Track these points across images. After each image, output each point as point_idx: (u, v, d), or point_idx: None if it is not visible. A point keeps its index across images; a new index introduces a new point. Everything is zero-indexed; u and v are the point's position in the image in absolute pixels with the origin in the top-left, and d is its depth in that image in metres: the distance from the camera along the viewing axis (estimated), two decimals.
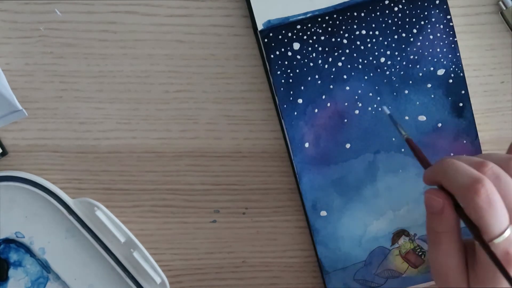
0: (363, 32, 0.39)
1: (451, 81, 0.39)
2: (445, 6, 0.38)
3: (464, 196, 0.29)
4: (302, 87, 0.39)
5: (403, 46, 0.39)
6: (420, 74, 0.39)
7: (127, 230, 0.39)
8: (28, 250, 0.39)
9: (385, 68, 0.39)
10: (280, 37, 0.38)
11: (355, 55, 0.39)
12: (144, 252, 0.39)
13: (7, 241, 0.39)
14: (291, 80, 0.39)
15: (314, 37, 0.38)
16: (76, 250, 0.39)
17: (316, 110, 0.39)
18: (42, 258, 0.39)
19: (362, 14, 0.38)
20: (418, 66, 0.39)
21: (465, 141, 0.40)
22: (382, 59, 0.39)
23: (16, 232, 0.39)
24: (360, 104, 0.39)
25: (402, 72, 0.39)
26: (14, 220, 0.39)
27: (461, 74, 0.39)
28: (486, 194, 0.28)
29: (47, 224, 0.39)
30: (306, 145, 0.39)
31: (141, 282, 0.39)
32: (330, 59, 0.39)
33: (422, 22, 0.39)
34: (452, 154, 0.40)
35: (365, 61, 0.39)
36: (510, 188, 0.29)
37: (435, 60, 0.39)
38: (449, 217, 0.30)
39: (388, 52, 0.39)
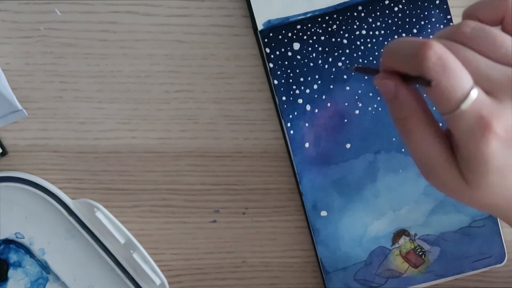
0: (363, 32, 0.39)
1: None
2: (445, 6, 0.38)
3: (414, 66, 0.24)
4: (302, 87, 0.39)
5: None
6: None
7: (127, 231, 0.39)
8: (28, 251, 0.39)
9: None
10: (280, 37, 0.38)
11: (355, 55, 0.39)
12: (144, 253, 0.39)
13: (7, 242, 0.39)
14: (291, 80, 0.39)
15: (314, 37, 0.38)
16: (76, 251, 0.39)
17: (316, 110, 0.39)
18: (41, 259, 0.39)
19: (362, 14, 0.38)
20: None
21: None
22: None
23: (16, 232, 0.39)
24: (360, 104, 0.39)
25: None
26: (14, 221, 0.39)
27: None
28: (436, 55, 0.23)
29: (47, 225, 0.39)
30: (306, 145, 0.39)
31: (141, 283, 0.39)
32: (330, 59, 0.39)
33: (422, 22, 0.39)
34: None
35: (365, 61, 0.39)
36: (466, 50, 0.24)
37: None
38: (406, 96, 0.26)
39: None
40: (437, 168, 0.26)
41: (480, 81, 0.24)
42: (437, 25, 0.38)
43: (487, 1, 0.27)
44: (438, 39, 0.25)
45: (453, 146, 0.26)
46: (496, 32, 0.25)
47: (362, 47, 0.39)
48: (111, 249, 0.39)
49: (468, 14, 0.27)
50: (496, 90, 0.24)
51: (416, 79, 0.25)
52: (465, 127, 0.24)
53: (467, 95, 0.23)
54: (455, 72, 0.23)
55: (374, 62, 0.39)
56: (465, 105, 0.23)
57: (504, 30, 0.27)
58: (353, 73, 0.38)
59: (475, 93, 0.24)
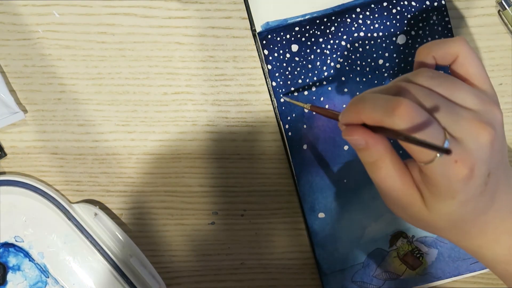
0: (362, 34, 0.39)
1: None
2: (443, 9, 0.38)
3: (388, 124, 0.26)
4: (301, 89, 0.39)
5: (401, 48, 0.39)
6: None
7: (126, 236, 0.39)
8: (27, 254, 0.39)
9: (383, 70, 0.39)
10: (278, 39, 0.38)
11: (353, 57, 0.39)
12: (143, 257, 0.39)
13: (7, 245, 0.39)
14: (289, 82, 0.39)
15: (313, 39, 0.38)
16: (75, 255, 0.39)
17: (314, 112, 0.39)
18: (41, 263, 0.39)
19: (361, 16, 0.38)
20: None
21: None
22: (380, 61, 0.39)
23: (15, 236, 0.39)
24: None
25: (400, 74, 0.39)
26: (13, 225, 0.39)
27: None
28: (408, 113, 0.26)
29: (46, 228, 0.39)
30: (304, 147, 0.39)
31: (139, 287, 0.40)
32: (329, 61, 0.39)
33: (420, 24, 0.39)
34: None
35: (363, 63, 0.39)
36: (432, 101, 0.27)
37: None
38: (375, 145, 0.28)
39: (386, 54, 0.39)
40: (401, 198, 0.29)
41: (448, 126, 0.27)
42: (435, 27, 0.38)
43: (443, 41, 0.30)
44: (404, 83, 0.28)
45: (416, 175, 0.29)
46: (452, 77, 0.28)
47: (360, 49, 0.39)
48: (110, 253, 0.39)
49: (423, 52, 0.30)
50: (462, 134, 0.27)
51: (389, 133, 0.27)
52: (439, 170, 0.26)
53: (442, 144, 0.26)
54: (429, 129, 0.26)
55: (372, 64, 0.39)
56: (440, 156, 0.26)
57: (452, 71, 0.30)
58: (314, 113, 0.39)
59: (447, 143, 0.26)
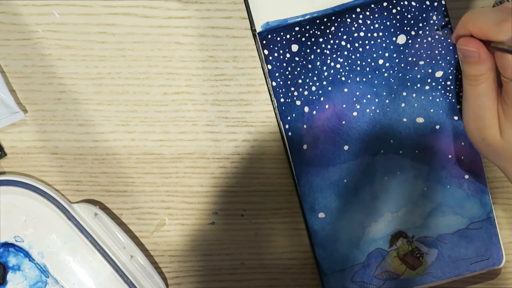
0: (362, 34, 0.39)
1: (449, 83, 0.39)
2: (443, 8, 0.38)
3: (494, 34, 0.30)
4: (301, 89, 0.39)
5: (401, 48, 0.39)
6: (418, 76, 0.39)
7: (126, 236, 0.39)
8: (27, 254, 0.39)
9: (383, 70, 0.39)
10: (278, 39, 0.38)
11: (353, 57, 0.39)
12: (143, 258, 0.39)
13: (6, 245, 0.39)
14: (289, 82, 0.39)
15: (313, 39, 0.38)
16: (75, 255, 0.39)
17: (314, 112, 0.39)
18: (41, 263, 0.39)
19: (361, 16, 0.38)
20: (416, 68, 0.39)
21: (463, 143, 0.40)
22: (380, 61, 0.39)
23: (15, 236, 0.39)
24: (358, 106, 0.39)
25: (400, 74, 0.39)
26: (13, 224, 0.39)
27: (459, 76, 0.39)
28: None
29: (46, 228, 0.39)
30: (305, 147, 0.39)
31: None
32: (329, 61, 0.39)
33: (420, 24, 0.39)
34: (450, 156, 0.40)
35: (363, 63, 0.39)
36: None
37: (433, 62, 0.39)
38: (486, 59, 0.32)
39: (386, 54, 0.39)
40: (484, 118, 0.34)
41: None
42: (435, 27, 0.38)
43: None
44: None
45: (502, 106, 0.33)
46: None
47: (361, 49, 0.39)
48: (110, 253, 0.39)
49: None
50: None
51: (498, 47, 0.31)
52: None
53: None
54: None
55: (372, 64, 0.39)
56: None
57: None
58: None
59: None
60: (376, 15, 0.38)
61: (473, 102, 0.34)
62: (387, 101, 0.39)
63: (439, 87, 0.39)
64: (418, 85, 0.39)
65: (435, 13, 0.38)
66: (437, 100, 0.39)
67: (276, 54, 0.38)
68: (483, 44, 0.32)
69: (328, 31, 0.38)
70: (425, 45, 0.39)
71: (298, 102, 0.39)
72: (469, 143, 0.39)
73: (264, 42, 0.38)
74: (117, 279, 0.39)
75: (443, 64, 0.39)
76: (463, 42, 0.33)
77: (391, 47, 0.39)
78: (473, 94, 0.34)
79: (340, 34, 0.39)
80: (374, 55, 0.39)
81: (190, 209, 0.41)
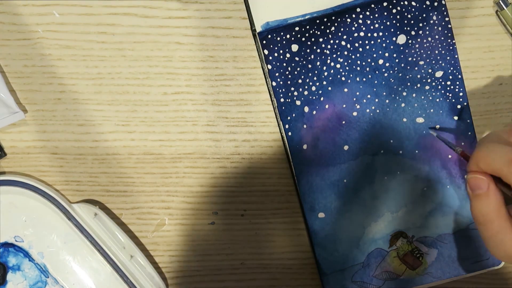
0: (362, 34, 0.39)
1: (449, 83, 0.39)
2: (443, 8, 0.38)
3: (505, 175, 0.29)
4: (301, 89, 0.39)
5: (401, 48, 0.39)
6: (418, 76, 0.39)
7: (126, 236, 0.39)
8: (27, 254, 0.39)
9: (383, 70, 0.39)
10: (278, 39, 0.38)
11: (353, 57, 0.39)
12: (143, 258, 0.39)
13: (6, 245, 0.39)
14: (289, 82, 0.39)
15: (313, 39, 0.38)
16: (75, 255, 0.39)
17: (314, 112, 0.39)
18: (40, 263, 0.39)
19: (361, 16, 0.38)
20: (416, 68, 0.39)
21: (463, 143, 0.40)
22: (381, 61, 0.39)
23: (15, 236, 0.39)
24: (358, 106, 0.39)
25: (400, 74, 0.39)
26: (13, 224, 0.39)
27: (459, 76, 0.39)
28: None
29: (46, 228, 0.39)
30: (304, 147, 0.39)
31: None
32: (328, 61, 0.39)
33: (421, 24, 0.39)
34: (450, 156, 0.40)
35: (363, 63, 0.39)
36: None
37: (433, 62, 0.39)
38: (496, 194, 0.30)
39: (386, 54, 0.39)
40: (510, 249, 0.31)
41: None
42: (435, 27, 0.38)
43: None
44: None
45: None
46: None
47: (361, 49, 0.39)
48: (110, 253, 0.39)
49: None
50: None
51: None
52: None
53: None
54: None
55: (372, 64, 0.39)
56: None
57: None
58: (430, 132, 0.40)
59: None
60: (376, 15, 0.38)
61: (492, 241, 0.31)
62: (387, 101, 0.39)
63: (439, 87, 0.39)
64: (418, 85, 0.39)
65: (435, 13, 0.38)
66: (437, 100, 0.39)
67: (276, 54, 0.38)
68: (492, 179, 0.31)
69: (328, 31, 0.38)
70: (425, 45, 0.39)
71: (298, 102, 0.39)
72: (468, 143, 0.40)
73: (264, 42, 0.38)
74: (117, 279, 0.39)
75: (443, 64, 0.39)
76: (471, 173, 0.32)
77: (391, 47, 0.39)
78: (489, 234, 0.31)
79: (340, 34, 0.39)
80: (374, 55, 0.39)
81: (190, 209, 0.41)
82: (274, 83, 0.39)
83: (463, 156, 0.36)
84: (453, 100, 0.39)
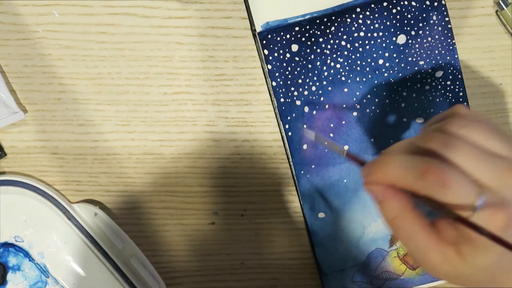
0: (361, 34, 0.39)
1: (449, 82, 0.39)
2: (443, 8, 0.38)
3: (419, 189, 0.26)
4: (301, 89, 0.39)
5: (401, 48, 0.39)
6: (418, 76, 0.39)
7: (126, 236, 0.39)
8: (27, 254, 0.39)
9: (383, 70, 0.39)
10: (278, 39, 0.38)
11: (353, 57, 0.39)
12: (143, 258, 0.39)
13: (6, 245, 0.39)
14: (289, 82, 0.39)
15: (313, 39, 0.38)
16: (75, 255, 0.39)
17: (314, 112, 0.39)
18: (41, 263, 0.39)
19: (361, 16, 0.38)
20: (416, 68, 0.39)
21: None
22: (380, 61, 0.39)
23: (15, 236, 0.39)
24: (358, 106, 0.39)
25: (400, 74, 0.39)
26: (13, 224, 0.39)
27: (459, 76, 0.39)
28: (438, 176, 0.25)
29: (46, 228, 0.39)
30: (305, 147, 0.39)
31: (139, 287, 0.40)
32: (328, 61, 0.39)
33: (421, 24, 0.39)
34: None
35: (363, 63, 0.39)
36: (466, 153, 0.26)
37: (433, 62, 0.39)
38: (393, 200, 0.28)
39: (386, 54, 0.39)
40: (432, 258, 0.28)
41: (483, 177, 0.26)
42: (435, 27, 0.38)
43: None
44: (434, 130, 0.28)
45: (449, 231, 0.28)
46: (485, 122, 0.28)
47: (360, 49, 0.39)
48: (110, 253, 0.39)
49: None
50: (497, 183, 0.26)
51: (420, 198, 0.27)
52: (479, 220, 0.26)
53: (475, 203, 0.26)
54: (461, 189, 0.25)
55: (372, 64, 0.39)
56: (477, 209, 0.26)
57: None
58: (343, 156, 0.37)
59: (482, 199, 0.26)
60: (376, 15, 0.38)
61: (408, 247, 0.28)
62: (387, 101, 0.39)
63: (439, 87, 0.39)
64: (418, 85, 0.39)
65: (435, 13, 0.38)
66: (437, 100, 0.39)
67: (276, 54, 0.38)
68: (386, 185, 0.28)
69: (328, 31, 0.38)
70: (425, 45, 0.39)
71: (298, 102, 0.39)
72: None
73: (264, 42, 0.38)
74: (117, 279, 0.39)
75: (443, 64, 0.39)
76: (366, 184, 0.29)
77: (391, 47, 0.39)
78: (401, 239, 0.28)
79: (340, 34, 0.39)
80: (374, 55, 0.39)
81: (190, 209, 0.41)
82: (274, 83, 0.39)
83: (348, 157, 0.32)
84: (453, 100, 0.39)
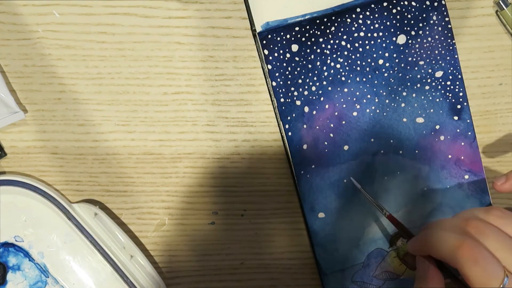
0: (362, 34, 0.39)
1: (449, 83, 0.39)
2: (443, 8, 0.38)
3: (452, 261, 0.31)
4: (301, 89, 0.39)
5: (401, 48, 0.39)
6: (418, 76, 0.39)
7: (126, 236, 0.39)
8: (27, 254, 0.39)
9: (383, 70, 0.39)
10: (278, 39, 0.38)
11: (353, 57, 0.39)
12: (143, 258, 0.39)
13: (6, 245, 0.39)
14: (289, 82, 0.39)
15: (313, 39, 0.38)
16: (75, 255, 0.39)
17: (314, 112, 0.39)
18: (40, 262, 0.39)
19: (361, 16, 0.38)
20: (416, 68, 0.39)
21: (463, 143, 0.40)
22: (381, 61, 0.39)
23: (15, 236, 0.39)
24: (358, 106, 0.39)
25: (400, 74, 0.39)
26: (13, 224, 0.39)
27: (459, 76, 0.39)
28: (470, 252, 0.29)
29: (46, 228, 0.39)
30: (304, 147, 0.39)
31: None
32: (328, 61, 0.39)
33: (421, 24, 0.39)
34: (450, 156, 0.40)
35: (363, 63, 0.39)
36: (498, 240, 0.31)
37: (433, 62, 0.39)
38: (434, 275, 0.33)
39: (387, 54, 0.39)
40: None
41: (510, 265, 0.30)
42: (435, 27, 0.38)
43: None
44: (475, 220, 0.32)
45: None
46: None
47: (361, 49, 0.39)
48: (110, 253, 0.39)
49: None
50: None
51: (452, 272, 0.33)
52: None
53: (502, 282, 0.29)
54: (490, 267, 0.29)
55: (372, 64, 0.39)
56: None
57: None
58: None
59: (506, 281, 0.29)
60: (376, 15, 0.38)
61: None
62: (387, 101, 0.39)
63: (439, 87, 0.39)
64: (418, 85, 0.39)
65: (435, 13, 0.38)
66: (437, 100, 0.39)
67: (276, 54, 0.38)
68: (432, 260, 0.34)
69: (328, 31, 0.38)
70: (425, 45, 0.39)
71: (298, 102, 0.39)
72: (468, 143, 0.40)
73: (264, 42, 0.38)
74: (117, 279, 0.39)
75: (443, 64, 0.39)
76: (418, 257, 0.35)
77: (391, 47, 0.39)
78: None
79: (340, 34, 0.39)
80: (374, 55, 0.39)
81: (190, 209, 0.41)
82: (274, 83, 0.39)
83: (390, 219, 0.37)
84: (453, 100, 0.39)
